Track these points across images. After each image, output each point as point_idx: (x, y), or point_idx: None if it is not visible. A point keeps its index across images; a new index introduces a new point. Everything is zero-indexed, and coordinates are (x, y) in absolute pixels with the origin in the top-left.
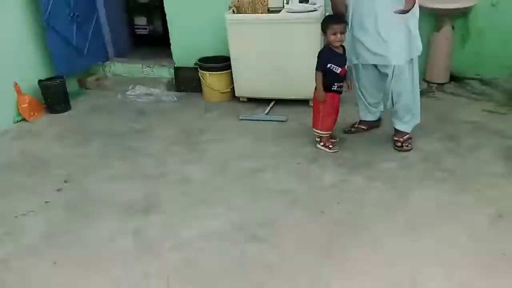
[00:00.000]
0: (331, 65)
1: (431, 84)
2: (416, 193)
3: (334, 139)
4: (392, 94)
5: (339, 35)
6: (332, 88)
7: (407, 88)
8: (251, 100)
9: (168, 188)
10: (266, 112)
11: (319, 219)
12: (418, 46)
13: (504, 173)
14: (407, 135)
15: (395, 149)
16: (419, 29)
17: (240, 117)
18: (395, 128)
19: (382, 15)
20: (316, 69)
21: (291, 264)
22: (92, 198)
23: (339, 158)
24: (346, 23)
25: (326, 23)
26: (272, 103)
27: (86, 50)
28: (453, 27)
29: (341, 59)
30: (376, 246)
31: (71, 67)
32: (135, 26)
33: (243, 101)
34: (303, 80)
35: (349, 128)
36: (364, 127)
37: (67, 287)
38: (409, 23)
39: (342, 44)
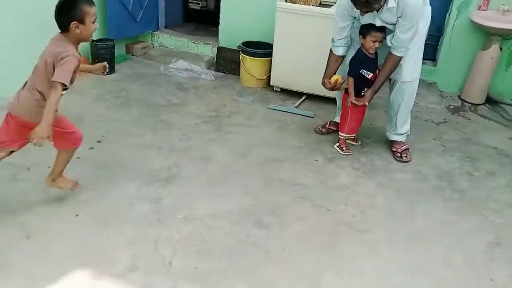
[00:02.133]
0: (363, 71)
1: (465, 103)
2: (423, 207)
3: (356, 142)
4: (395, 106)
5: (378, 43)
6: (362, 93)
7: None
8: (284, 91)
9: (191, 163)
10: (296, 105)
11: (324, 216)
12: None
13: None
14: (404, 145)
15: (396, 159)
16: (467, 45)
17: (269, 107)
18: (390, 140)
19: None
20: (349, 75)
21: (288, 253)
22: (120, 161)
23: (356, 162)
24: (385, 32)
25: (369, 29)
26: (303, 97)
27: (139, 18)
28: (501, 48)
29: (373, 64)
30: (373, 251)
31: (123, 32)
32: (189, 0)
33: (276, 91)
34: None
35: (320, 129)
36: (334, 128)
37: (84, 239)
38: (420, 49)
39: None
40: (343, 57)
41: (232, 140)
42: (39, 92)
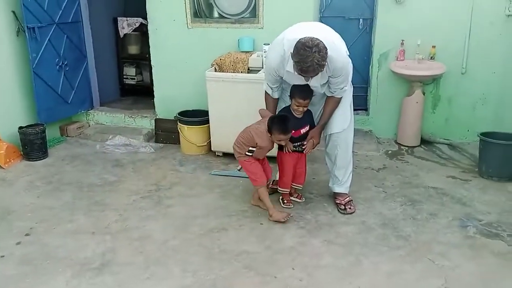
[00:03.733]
0: None
1: (402, 147)
2: (370, 260)
3: (300, 198)
4: (332, 157)
5: (301, 108)
6: (296, 146)
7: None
8: (226, 155)
9: (126, 246)
10: (239, 168)
11: (271, 285)
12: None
13: (458, 243)
14: (348, 197)
15: (340, 212)
16: (393, 93)
17: (212, 172)
18: (334, 192)
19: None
20: None
21: None
22: (49, 254)
23: (301, 220)
24: (311, 98)
25: (294, 93)
26: None
27: (71, 99)
28: (424, 93)
29: (297, 122)
30: None
31: (54, 115)
32: (124, 76)
33: (218, 155)
34: None
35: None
36: (277, 187)
37: None
38: (347, 101)
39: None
40: (278, 98)
41: (172, 213)
42: None
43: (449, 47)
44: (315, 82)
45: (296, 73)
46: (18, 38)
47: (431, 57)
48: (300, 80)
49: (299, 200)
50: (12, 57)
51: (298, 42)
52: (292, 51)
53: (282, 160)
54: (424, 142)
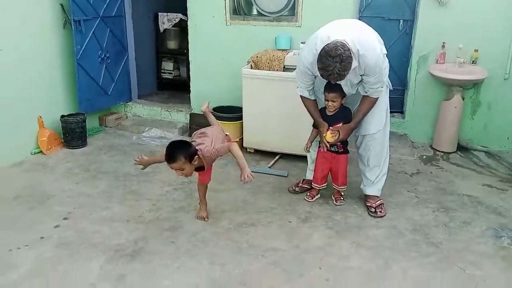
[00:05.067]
0: None
1: (437, 152)
2: (399, 265)
3: (336, 201)
4: (364, 159)
5: (329, 103)
6: (320, 145)
7: (378, 154)
8: (257, 152)
9: (158, 235)
10: (269, 165)
11: (297, 282)
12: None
13: (491, 253)
14: (379, 200)
15: (370, 215)
16: (431, 96)
17: None
18: (365, 195)
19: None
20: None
21: None
22: (85, 238)
23: (330, 220)
24: (340, 92)
25: (324, 88)
26: (277, 157)
27: (111, 90)
28: (463, 97)
29: (329, 119)
30: None
31: (94, 106)
32: (161, 70)
33: (250, 152)
34: (307, 137)
35: (293, 188)
36: (307, 186)
37: None
38: (384, 102)
39: (337, 109)
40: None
41: None
42: None
43: (492, 51)
44: (345, 82)
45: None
46: (64, 30)
47: (473, 61)
48: None
49: (335, 203)
50: (58, 48)
51: (323, 49)
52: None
53: (317, 156)
54: (461, 148)
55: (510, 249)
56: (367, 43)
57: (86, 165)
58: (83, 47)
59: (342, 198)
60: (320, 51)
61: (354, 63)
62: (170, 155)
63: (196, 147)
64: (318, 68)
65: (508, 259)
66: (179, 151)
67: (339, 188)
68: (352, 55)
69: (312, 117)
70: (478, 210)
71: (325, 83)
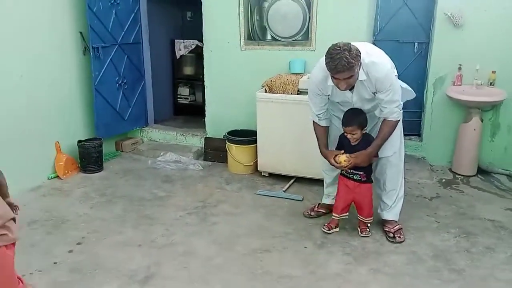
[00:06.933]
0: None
1: (457, 176)
2: None
3: (361, 232)
4: (380, 183)
5: (349, 135)
6: (341, 172)
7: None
8: (272, 175)
9: (171, 260)
10: (284, 189)
11: None
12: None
13: None
14: (397, 225)
15: (389, 240)
16: (448, 118)
17: (257, 192)
18: (383, 219)
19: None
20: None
21: None
22: (98, 263)
23: (347, 246)
24: (357, 124)
25: (343, 120)
26: (292, 181)
27: (127, 116)
28: (482, 119)
29: (351, 148)
30: None
31: (111, 131)
32: (178, 96)
33: (264, 176)
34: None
35: (309, 212)
36: (323, 211)
37: None
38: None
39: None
40: (328, 127)
41: (217, 231)
42: None
43: (510, 72)
44: (357, 97)
45: (333, 82)
46: (84, 57)
47: (491, 83)
48: (343, 96)
49: (361, 234)
50: (77, 74)
51: (331, 45)
52: None
53: (338, 185)
54: (481, 171)
55: None
56: (377, 57)
57: (102, 190)
58: (101, 73)
59: (368, 230)
60: (329, 47)
61: (362, 75)
62: None
63: None
64: (326, 63)
65: None
66: None
67: (366, 220)
68: (360, 54)
69: (318, 145)
70: (501, 235)
71: (339, 108)
